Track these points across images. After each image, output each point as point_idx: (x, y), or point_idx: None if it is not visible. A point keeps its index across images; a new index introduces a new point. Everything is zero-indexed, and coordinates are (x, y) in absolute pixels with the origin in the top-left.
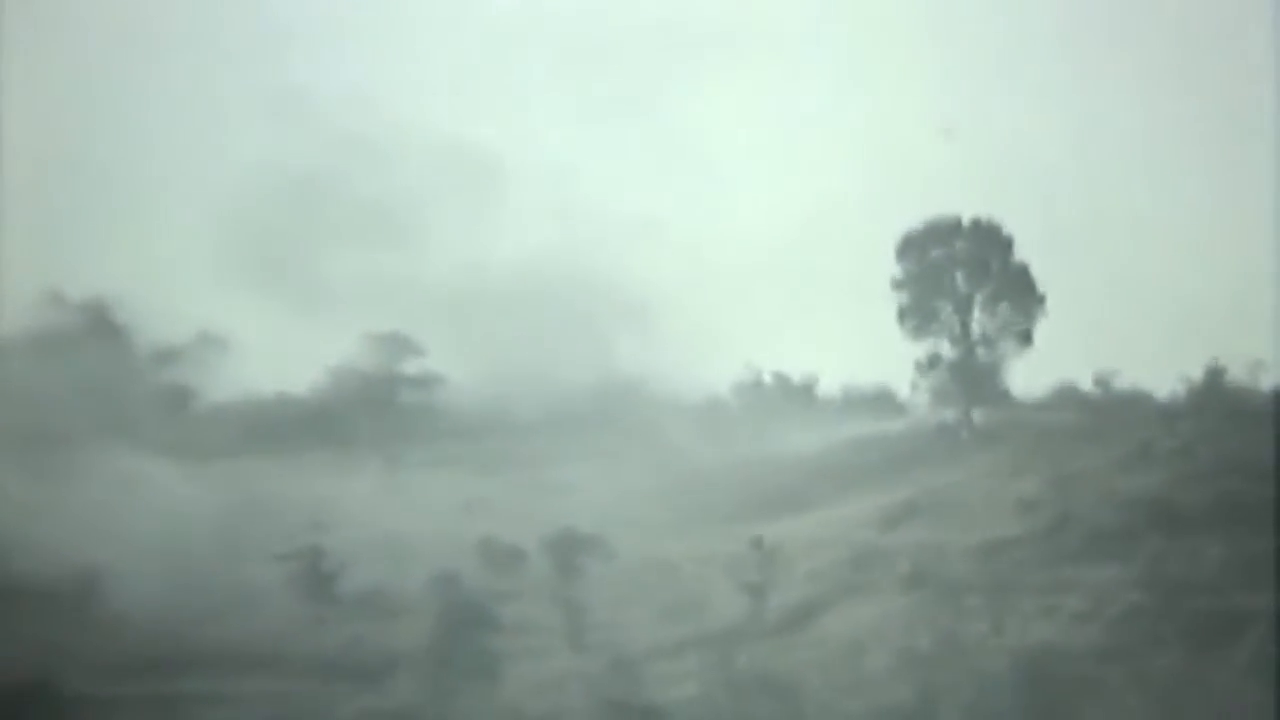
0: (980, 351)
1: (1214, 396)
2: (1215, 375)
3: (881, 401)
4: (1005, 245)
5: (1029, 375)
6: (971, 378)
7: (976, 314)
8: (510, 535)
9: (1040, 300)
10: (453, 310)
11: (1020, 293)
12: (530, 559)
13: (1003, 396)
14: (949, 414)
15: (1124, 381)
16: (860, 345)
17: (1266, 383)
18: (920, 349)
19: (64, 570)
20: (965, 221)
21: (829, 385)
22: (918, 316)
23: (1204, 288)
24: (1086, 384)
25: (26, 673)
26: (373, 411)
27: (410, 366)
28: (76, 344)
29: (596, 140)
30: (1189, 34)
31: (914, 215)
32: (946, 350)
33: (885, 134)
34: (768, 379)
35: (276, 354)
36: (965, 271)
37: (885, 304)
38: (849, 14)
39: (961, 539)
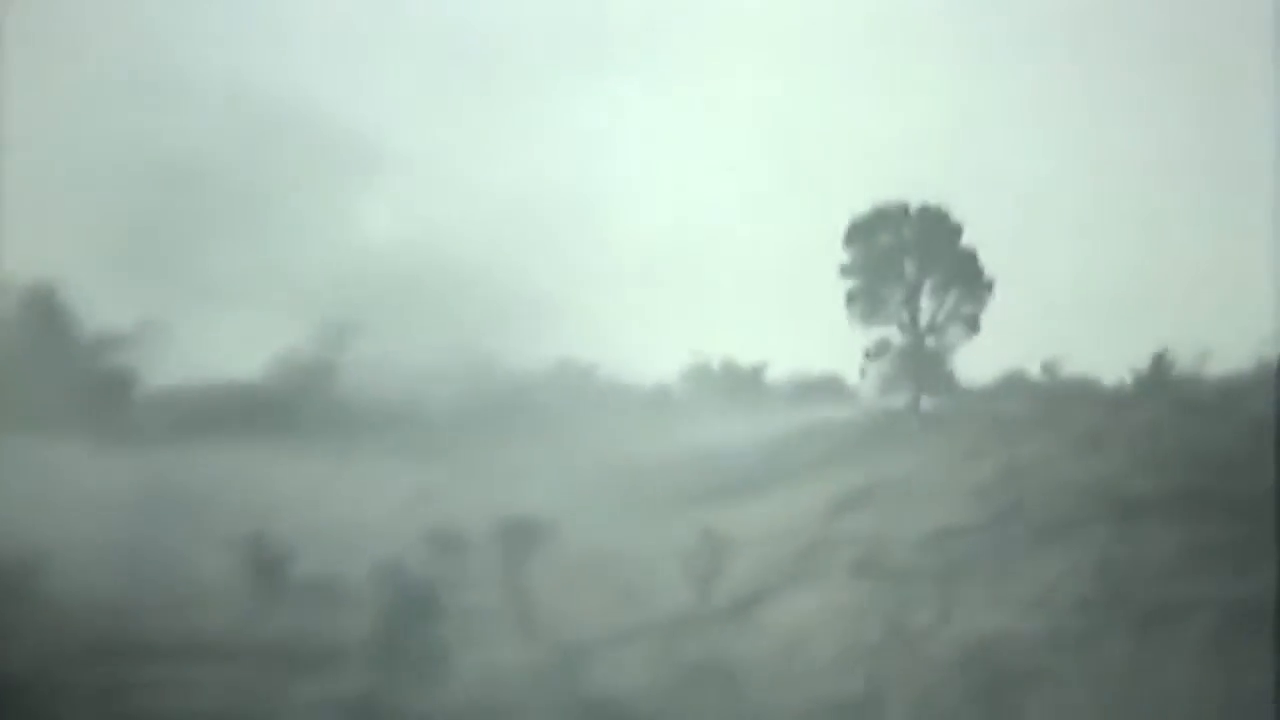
0: (929, 339)
1: (1161, 385)
2: (1162, 364)
3: (830, 388)
4: (953, 231)
5: (978, 362)
6: (920, 365)
7: (924, 301)
8: (458, 523)
9: (988, 286)
10: (371, 297)
11: (968, 279)
12: (478, 547)
13: (951, 383)
14: (898, 401)
15: (1071, 369)
16: (809, 331)
17: (1213, 372)
18: (869, 336)
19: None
20: (913, 207)
21: (777, 372)
22: (866, 303)
23: (1151, 276)
24: (1035, 371)
25: None
26: (319, 398)
27: (356, 353)
28: (14, 330)
29: (523, 123)
30: (1151, 25)
31: (863, 198)
32: (895, 337)
33: (834, 115)
34: (715, 366)
35: (220, 340)
36: (913, 258)
37: (834, 289)
38: None
39: (910, 527)
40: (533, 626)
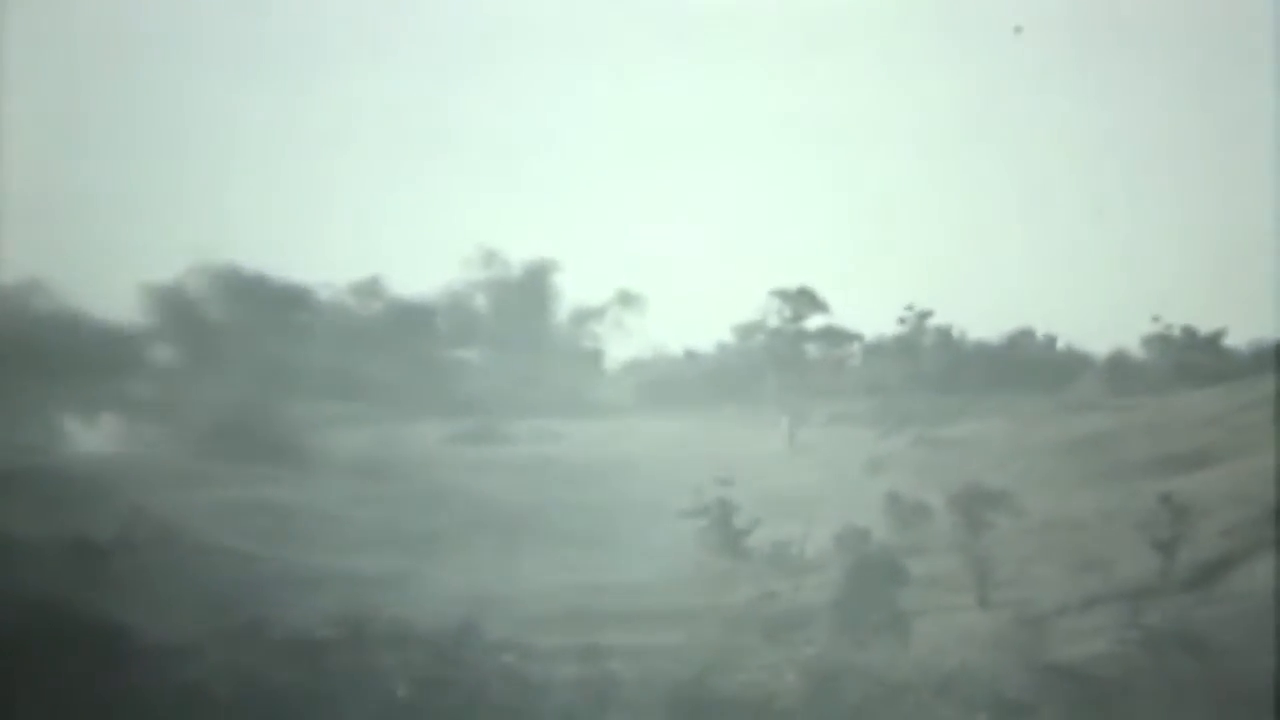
0: None
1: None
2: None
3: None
4: None
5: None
6: None
7: None
8: (916, 491)
9: None
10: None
11: None
12: (937, 515)
13: None
14: None
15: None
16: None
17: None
18: None
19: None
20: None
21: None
22: None
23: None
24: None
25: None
26: (777, 368)
27: (815, 323)
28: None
29: None
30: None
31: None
32: None
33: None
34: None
35: (686, 311)
36: None
37: None
38: None
39: None
40: (993, 594)
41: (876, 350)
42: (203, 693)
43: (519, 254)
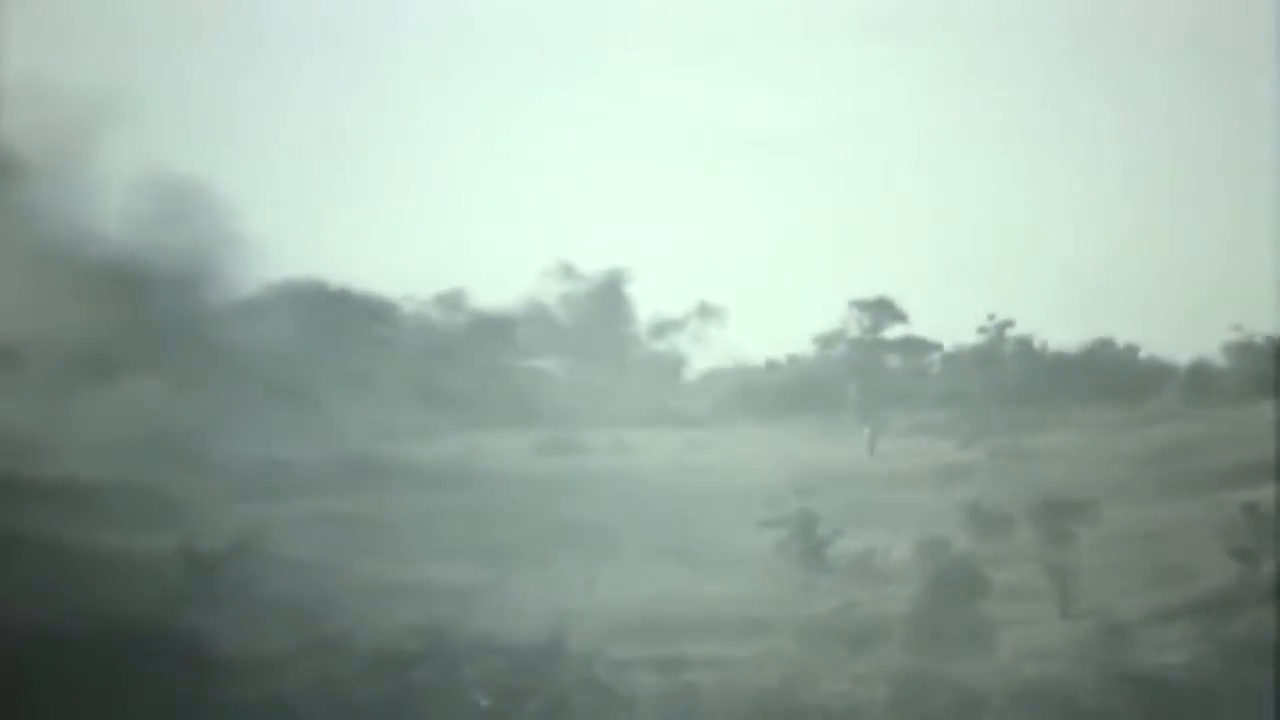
0: None
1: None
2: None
3: None
4: None
5: None
6: None
7: None
8: (996, 502)
9: None
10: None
11: None
12: (1018, 525)
13: None
14: None
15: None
16: None
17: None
18: None
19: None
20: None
21: None
22: None
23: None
24: None
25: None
26: (857, 378)
27: (895, 332)
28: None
29: None
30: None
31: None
32: None
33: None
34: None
35: (766, 321)
36: None
37: None
38: None
39: None
40: (1075, 604)
41: (956, 360)
42: (288, 705)
43: (599, 265)
